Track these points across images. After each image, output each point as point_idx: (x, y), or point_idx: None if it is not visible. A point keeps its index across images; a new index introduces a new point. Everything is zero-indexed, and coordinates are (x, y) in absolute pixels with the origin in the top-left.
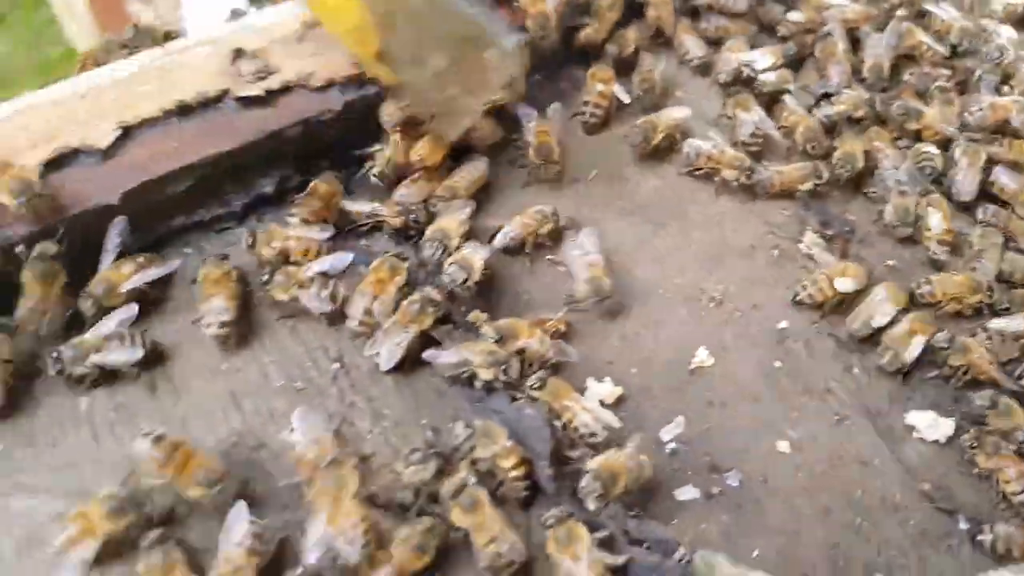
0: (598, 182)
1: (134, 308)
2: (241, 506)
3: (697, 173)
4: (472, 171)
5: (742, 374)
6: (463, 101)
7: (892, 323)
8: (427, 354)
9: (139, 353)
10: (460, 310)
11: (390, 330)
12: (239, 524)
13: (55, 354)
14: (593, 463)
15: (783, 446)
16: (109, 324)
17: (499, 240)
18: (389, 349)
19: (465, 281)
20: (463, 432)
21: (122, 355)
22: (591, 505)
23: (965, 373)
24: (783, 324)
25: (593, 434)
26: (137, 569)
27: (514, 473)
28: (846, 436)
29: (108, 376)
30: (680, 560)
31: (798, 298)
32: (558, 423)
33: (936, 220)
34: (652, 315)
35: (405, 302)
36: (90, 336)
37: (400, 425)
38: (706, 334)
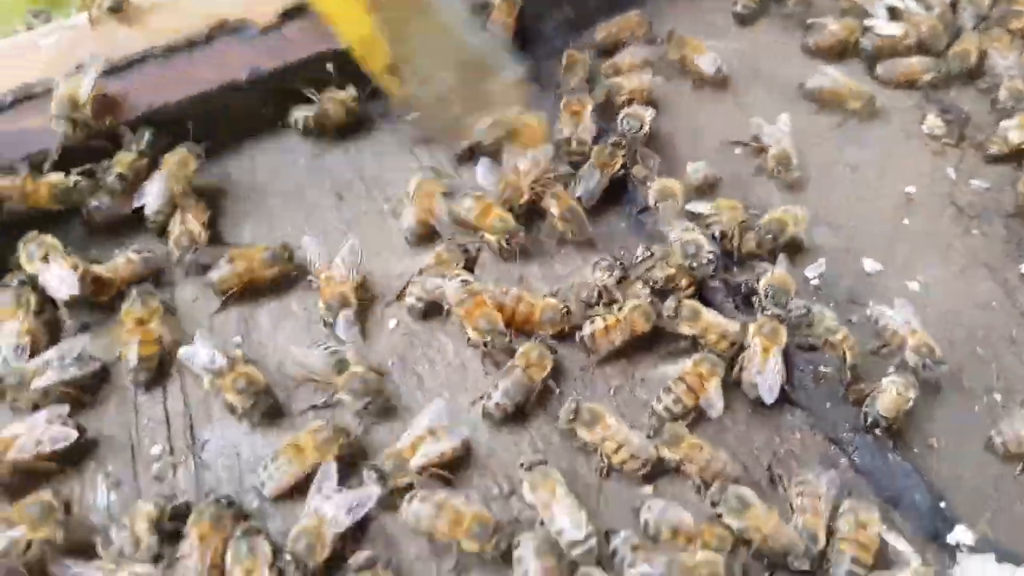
0: None
1: None
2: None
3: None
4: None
5: (875, 228)
6: (464, 121)
7: None
8: None
9: None
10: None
11: (586, 172)
12: None
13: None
14: (766, 277)
15: (913, 286)
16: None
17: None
18: (590, 188)
19: (640, 129)
20: (642, 253)
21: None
22: (777, 308)
23: None
24: (910, 189)
25: None
26: None
27: (687, 292)
28: (967, 283)
29: None
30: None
31: (989, 152)
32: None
33: None
34: None
35: (597, 147)
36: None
37: (580, 248)
38: (842, 195)
